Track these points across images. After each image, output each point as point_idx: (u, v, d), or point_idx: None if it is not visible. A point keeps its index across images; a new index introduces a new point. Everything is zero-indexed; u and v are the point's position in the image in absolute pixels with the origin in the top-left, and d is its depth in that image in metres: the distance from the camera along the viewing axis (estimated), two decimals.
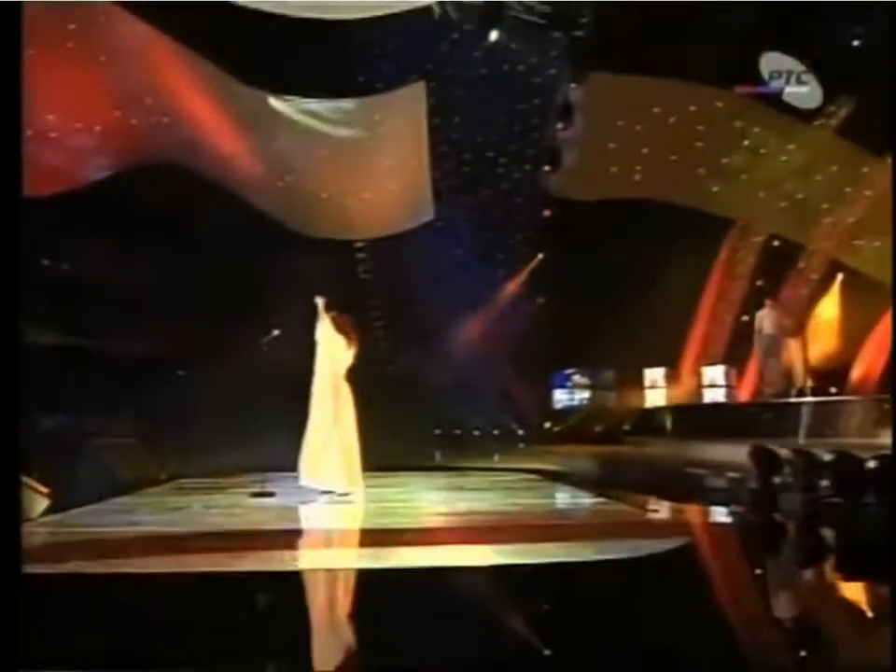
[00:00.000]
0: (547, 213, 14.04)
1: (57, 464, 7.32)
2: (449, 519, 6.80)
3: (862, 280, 13.42)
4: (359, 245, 14.40)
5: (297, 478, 7.68)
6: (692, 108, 12.67)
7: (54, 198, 11.40)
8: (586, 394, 15.24)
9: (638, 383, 14.96)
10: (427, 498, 8.47)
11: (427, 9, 11.31)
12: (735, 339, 14.18)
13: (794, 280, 14.20)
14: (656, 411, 13.92)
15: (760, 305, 13.45)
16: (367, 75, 12.71)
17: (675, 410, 13.40)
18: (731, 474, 7.38)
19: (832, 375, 13.13)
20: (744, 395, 14.07)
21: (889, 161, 12.18)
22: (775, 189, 13.30)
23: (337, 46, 11.48)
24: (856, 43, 11.46)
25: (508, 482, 9.83)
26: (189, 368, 11.97)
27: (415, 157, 12.81)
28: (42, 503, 6.28)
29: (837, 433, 10.18)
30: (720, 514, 6.66)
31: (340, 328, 8.07)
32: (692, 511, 7.00)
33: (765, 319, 12.36)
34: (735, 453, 7.29)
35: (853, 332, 13.77)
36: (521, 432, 14.96)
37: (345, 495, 7.54)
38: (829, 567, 4.83)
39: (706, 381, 14.48)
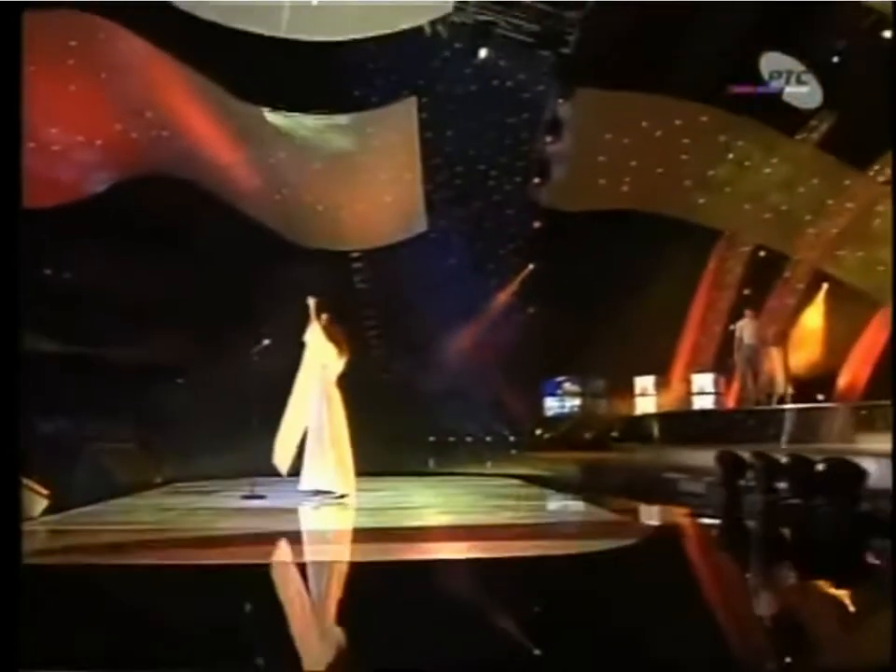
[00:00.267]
0: (537, 224, 14.33)
1: (57, 467, 7.61)
2: (431, 517, 7.10)
3: (846, 290, 13.72)
4: (355, 255, 14.70)
5: (287, 482, 7.97)
6: (677, 122, 12.99)
7: (57, 209, 11.71)
8: (576, 401, 15.49)
9: (627, 390, 15.22)
10: (414, 500, 8.74)
11: (418, 28, 11.62)
12: (724, 347, 14.42)
13: (780, 289, 14.52)
14: (644, 418, 14.16)
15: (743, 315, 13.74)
16: (361, 90, 13.02)
17: (662, 417, 13.63)
18: (707, 478, 7.61)
19: (817, 382, 13.41)
20: (732, 402, 14.32)
21: (869, 174, 12.53)
22: (759, 200, 13.63)
23: (331, 62, 11.76)
24: (835, 59, 11.77)
25: (492, 485, 10.12)
26: (187, 375, 12.25)
27: (408, 170, 13.11)
28: (42, 503, 6.58)
29: (819, 439, 10.43)
30: (686, 515, 6.92)
31: (332, 336, 8.34)
32: (660, 512, 7.27)
33: (745, 329, 12.42)
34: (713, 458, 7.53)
35: (838, 341, 14.06)
36: (513, 439, 15.17)
37: (341, 497, 7.82)
38: (781, 563, 5.07)
39: (695, 388, 14.76)
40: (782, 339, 13.02)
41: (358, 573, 4.45)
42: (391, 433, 12.29)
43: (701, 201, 13.76)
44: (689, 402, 14.75)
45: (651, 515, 7.22)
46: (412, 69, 12.67)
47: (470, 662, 2.69)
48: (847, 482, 5.34)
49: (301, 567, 4.81)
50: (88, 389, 10.37)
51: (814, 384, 13.24)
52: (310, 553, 5.46)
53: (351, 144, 13.19)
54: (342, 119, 12.99)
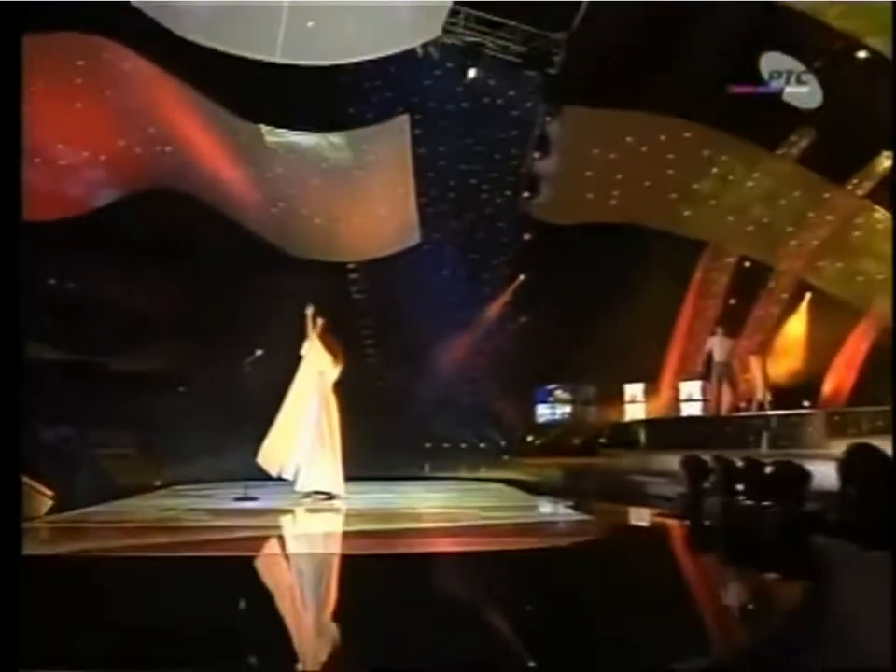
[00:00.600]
0: (528, 237, 14.76)
1: (61, 470, 8.03)
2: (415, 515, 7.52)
3: (828, 299, 14.08)
4: (352, 266, 15.15)
5: (279, 485, 8.39)
6: (662, 138, 13.38)
7: (61, 222, 12.14)
8: (567, 408, 15.89)
9: (617, 397, 15.59)
10: (400, 500, 9.14)
11: (411, 49, 12.06)
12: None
13: (765, 299, 14.89)
14: (630, 424, 14.52)
15: (734, 323, 14.09)
16: (357, 107, 13.51)
17: (648, 423, 14.00)
18: (673, 481, 7.92)
19: (801, 389, 13.74)
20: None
21: (847, 188, 12.91)
22: (742, 213, 14.01)
23: (328, 81, 12.22)
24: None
25: (477, 489, 10.54)
26: (186, 384, 12.65)
27: (401, 184, 13.54)
28: (47, 504, 7.02)
29: (796, 444, 10.78)
30: (650, 514, 7.30)
31: (328, 344, 8.78)
32: (626, 513, 7.65)
33: (717, 347, 12.51)
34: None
35: (821, 349, 14.40)
36: (505, 445, 15.55)
37: (330, 497, 8.23)
38: (734, 560, 5.40)
39: (683, 395, 15.11)
40: (762, 347, 13.34)
41: (335, 564, 4.84)
42: (387, 439, 12.66)
43: (686, 213, 14.15)
44: (677, 409, 15.10)
45: (616, 515, 7.59)
46: (405, 87, 13.15)
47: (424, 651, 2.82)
48: (791, 483, 5.70)
49: (288, 561, 5.15)
50: (90, 397, 10.77)
51: (798, 390, 13.59)
52: (296, 548, 5.83)
53: (346, 159, 13.63)
54: (337, 135, 13.42)
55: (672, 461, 9.82)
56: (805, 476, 5.83)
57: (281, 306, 11.13)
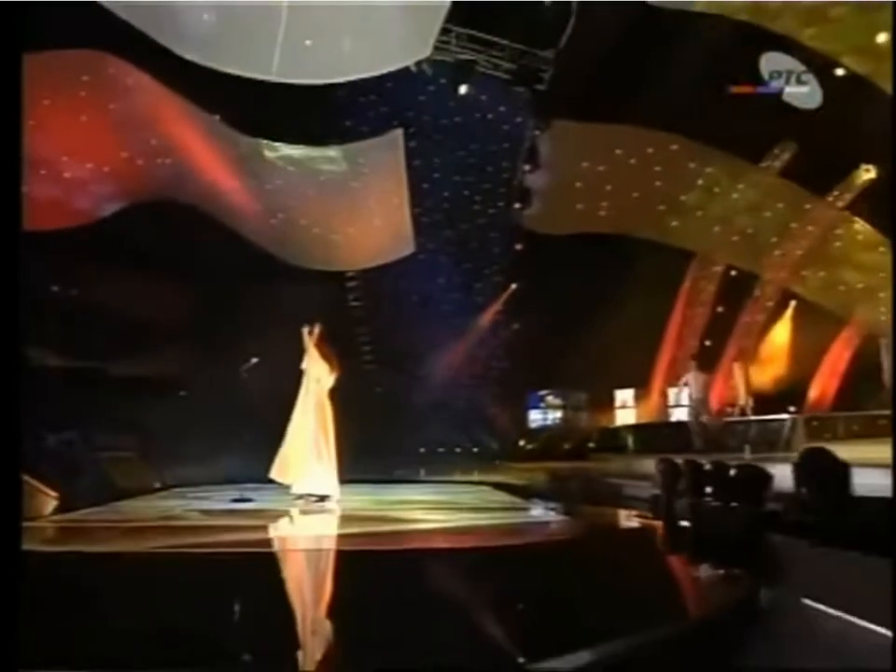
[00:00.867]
0: (519, 246, 15.14)
1: (66, 473, 8.40)
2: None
3: (812, 308, 14.44)
4: (350, 275, 15.54)
5: (272, 488, 8.74)
6: (649, 151, 13.74)
7: (66, 231, 12.54)
8: (558, 414, 16.24)
9: (607, 403, 15.95)
10: (389, 500, 9.50)
11: (405, 66, 12.44)
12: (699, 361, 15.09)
13: (751, 307, 15.26)
14: (618, 429, 14.86)
15: (722, 330, 14.42)
16: (353, 120, 13.92)
17: (635, 428, 14.34)
18: (648, 484, 8.22)
19: (786, 395, 14.09)
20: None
21: (828, 199, 13.26)
22: (728, 224, 14.37)
23: (325, 96, 12.54)
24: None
25: (464, 491, 10.89)
26: (186, 390, 13.02)
27: (396, 196, 13.90)
28: (51, 504, 7.39)
29: (777, 448, 11.11)
30: (625, 515, 7.63)
31: (324, 354, 9.14)
32: (603, 514, 7.97)
33: (693, 382, 12.28)
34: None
35: (805, 356, 14.76)
36: (498, 449, 15.87)
37: (322, 499, 8.58)
38: (702, 557, 5.71)
39: (671, 401, 15.46)
40: (744, 355, 13.67)
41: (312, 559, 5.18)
42: (384, 444, 12.99)
43: (674, 224, 14.53)
44: (666, 414, 15.45)
45: (594, 516, 7.91)
46: (400, 102, 13.60)
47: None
48: (752, 485, 6.05)
49: (273, 559, 5.49)
50: (92, 402, 11.13)
51: (784, 396, 13.94)
52: (281, 546, 6.17)
53: (343, 172, 14.00)
54: (334, 149, 13.81)
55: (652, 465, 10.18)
56: (766, 478, 6.19)
57: (280, 314, 11.48)
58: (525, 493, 9.72)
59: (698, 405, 12.15)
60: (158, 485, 10.32)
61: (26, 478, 6.74)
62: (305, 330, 9.03)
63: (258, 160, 13.78)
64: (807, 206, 13.66)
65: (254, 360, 9.05)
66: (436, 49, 11.92)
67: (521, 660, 2.68)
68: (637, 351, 14.86)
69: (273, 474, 8.51)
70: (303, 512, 8.09)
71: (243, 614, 3.54)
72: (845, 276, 13.67)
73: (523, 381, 15.82)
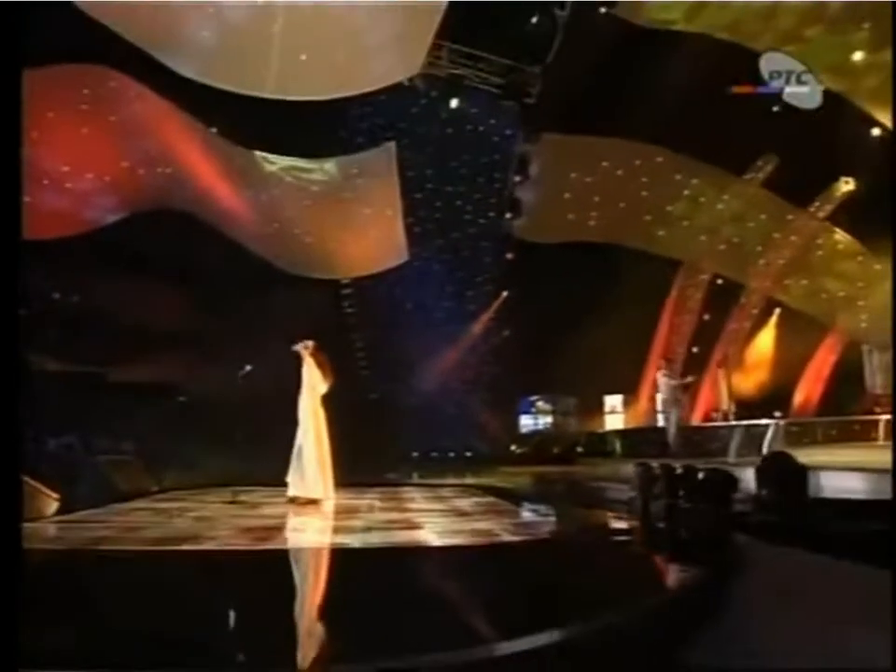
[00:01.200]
0: (510, 255, 15.51)
1: (66, 476, 8.68)
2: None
3: (796, 315, 14.78)
4: (345, 282, 15.89)
5: (268, 490, 9.03)
6: (636, 162, 14.09)
7: (67, 239, 12.88)
8: (549, 419, 16.55)
9: (595, 408, 16.27)
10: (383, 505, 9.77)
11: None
12: (686, 367, 15.39)
13: (737, 314, 15.61)
14: (607, 434, 15.16)
15: (708, 337, 14.74)
16: (348, 132, 14.31)
17: (623, 433, 14.64)
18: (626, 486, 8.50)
19: (771, 400, 14.40)
20: (695, 418, 15.28)
21: (810, 210, 13.61)
22: (714, 233, 14.72)
23: (321, 109, 12.87)
24: (775, 109, 12.79)
25: (453, 494, 11.15)
26: (184, 394, 13.33)
27: (390, 206, 14.26)
28: (53, 506, 7.68)
29: (758, 452, 11.37)
30: (601, 516, 7.92)
31: (319, 362, 9.44)
32: (583, 515, 8.27)
33: (661, 385, 12.28)
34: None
35: (790, 361, 15.10)
36: (489, 454, 16.16)
37: (314, 502, 8.86)
38: (674, 557, 5.99)
39: (658, 406, 15.74)
40: (726, 361, 13.98)
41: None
42: (378, 448, 13.29)
43: (661, 233, 14.88)
44: (655, 419, 15.73)
45: (574, 517, 8.20)
46: (393, 115, 13.99)
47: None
48: (719, 487, 6.37)
49: (267, 554, 5.78)
50: (92, 406, 11.42)
51: (768, 401, 14.24)
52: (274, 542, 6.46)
53: (337, 183, 14.36)
54: (328, 162, 14.17)
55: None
56: (732, 481, 6.51)
57: (275, 320, 11.77)
58: (516, 496, 10.00)
59: (665, 408, 12.14)
60: (156, 488, 10.58)
61: (29, 480, 7.05)
62: (300, 346, 9.25)
63: (254, 171, 14.14)
64: (790, 217, 14.01)
65: (248, 367, 9.32)
66: (428, 64, 12.29)
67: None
68: (626, 357, 15.16)
69: (291, 491, 8.74)
70: (297, 514, 8.37)
71: (239, 614, 3.58)
72: (826, 285, 14.02)
73: (514, 387, 16.16)
